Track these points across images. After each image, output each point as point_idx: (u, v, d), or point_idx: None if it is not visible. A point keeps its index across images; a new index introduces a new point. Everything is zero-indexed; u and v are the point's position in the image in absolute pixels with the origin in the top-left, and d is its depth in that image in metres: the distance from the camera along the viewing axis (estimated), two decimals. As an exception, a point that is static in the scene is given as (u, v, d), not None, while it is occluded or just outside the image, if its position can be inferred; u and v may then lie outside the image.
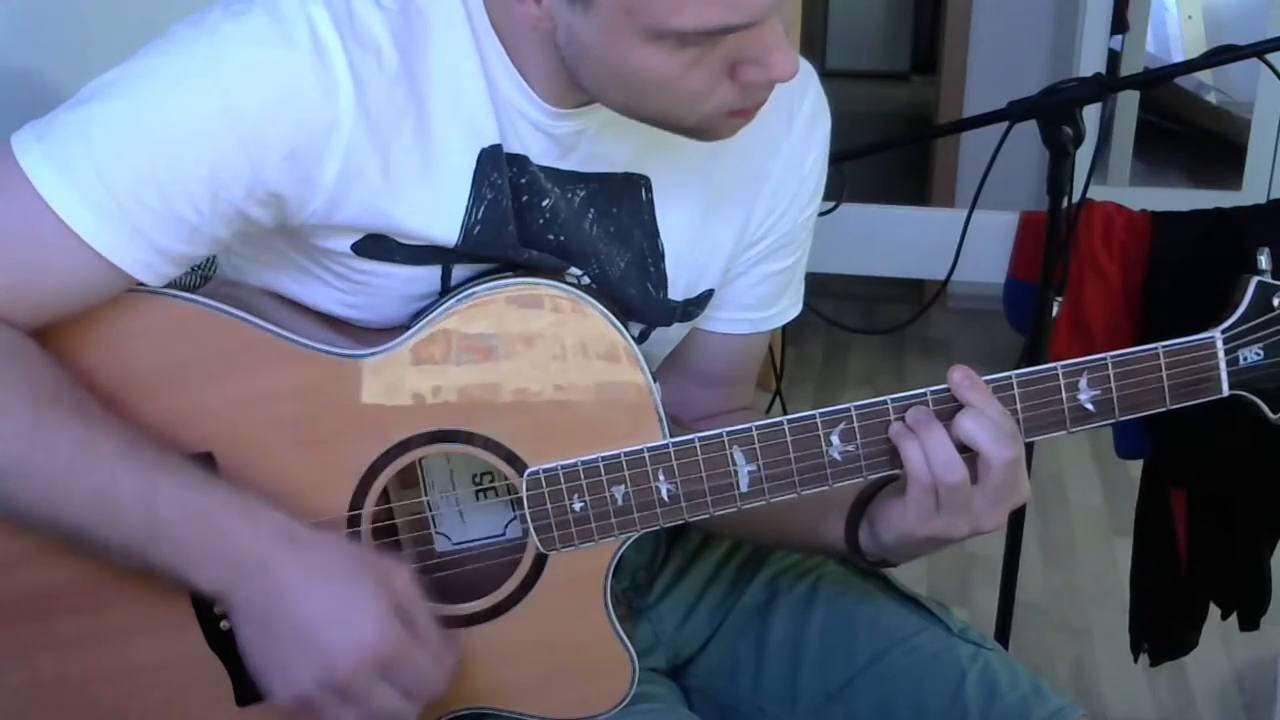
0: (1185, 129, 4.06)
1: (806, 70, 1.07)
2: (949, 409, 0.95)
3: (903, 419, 0.95)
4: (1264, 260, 0.98)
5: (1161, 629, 2.08)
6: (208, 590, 0.89)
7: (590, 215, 1.00)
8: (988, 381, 0.96)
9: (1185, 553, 1.99)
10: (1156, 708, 2.30)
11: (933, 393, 0.95)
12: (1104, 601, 2.51)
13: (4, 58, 1.16)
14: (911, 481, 0.95)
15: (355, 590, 0.88)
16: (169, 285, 0.93)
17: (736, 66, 0.86)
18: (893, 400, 0.95)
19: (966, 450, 0.93)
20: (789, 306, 1.14)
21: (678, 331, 1.08)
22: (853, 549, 1.03)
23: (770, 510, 1.02)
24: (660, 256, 1.03)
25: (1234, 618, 2.04)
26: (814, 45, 7.03)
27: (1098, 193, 1.80)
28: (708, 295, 1.07)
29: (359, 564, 0.89)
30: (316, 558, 0.88)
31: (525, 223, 0.96)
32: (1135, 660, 2.12)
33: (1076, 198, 1.64)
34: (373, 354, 0.94)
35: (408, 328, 0.95)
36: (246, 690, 0.98)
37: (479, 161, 0.92)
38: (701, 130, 0.91)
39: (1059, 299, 1.68)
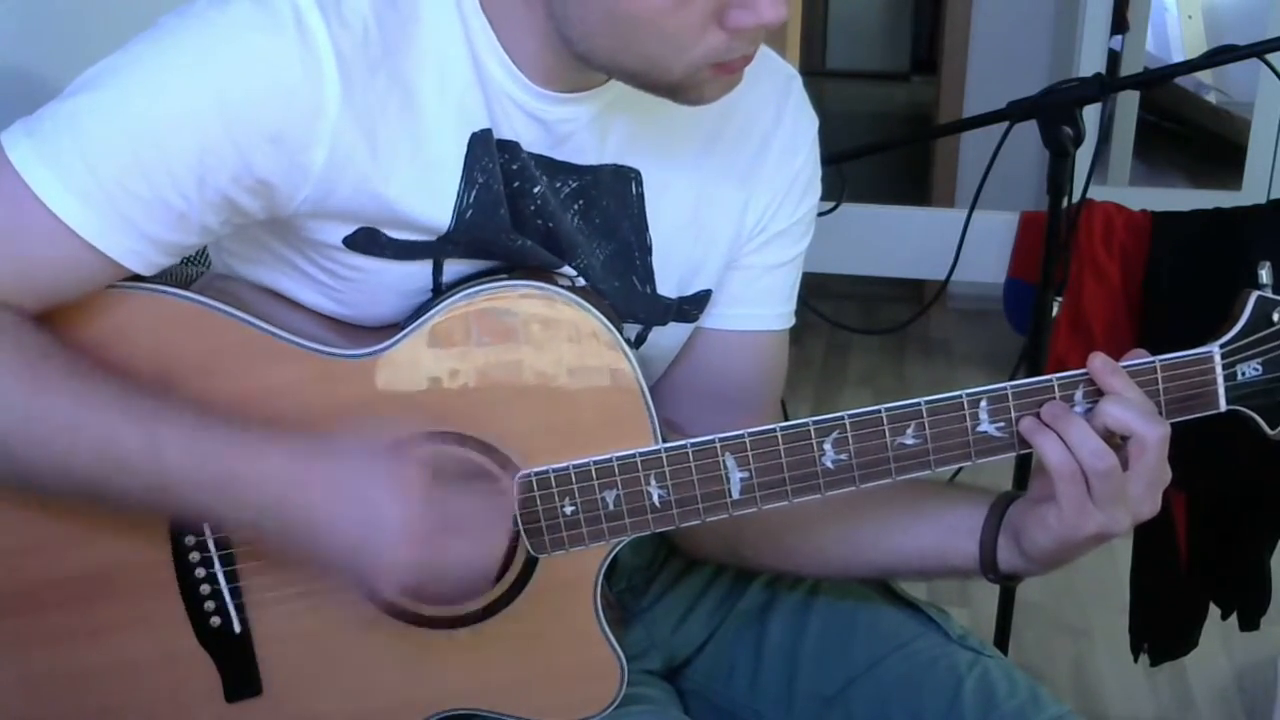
0: (1185, 129, 4.07)
1: (790, 72, 1.08)
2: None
3: (1036, 414, 0.94)
4: (1265, 274, 0.97)
5: (1161, 629, 2.08)
6: (234, 530, 0.93)
7: (575, 208, 0.99)
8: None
9: (1185, 553, 1.99)
10: (1156, 708, 2.30)
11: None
12: (1104, 601, 2.51)
13: (4, 58, 1.16)
14: (1057, 477, 0.93)
15: (376, 504, 0.87)
16: (162, 281, 0.93)
17: (725, 11, 0.85)
18: (886, 410, 0.94)
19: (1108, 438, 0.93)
20: (789, 313, 1.13)
21: (675, 332, 1.07)
22: (988, 568, 1.03)
23: (881, 541, 1.05)
24: (648, 250, 1.03)
25: (1234, 618, 2.04)
26: (814, 45, 7.05)
27: (1098, 193, 1.80)
28: (705, 296, 1.07)
29: (372, 463, 0.89)
30: (331, 485, 0.88)
31: (517, 209, 0.96)
32: (1135, 660, 2.12)
33: (1076, 198, 1.63)
34: (366, 354, 0.94)
35: (402, 327, 0.94)
36: (236, 687, 0.98)
37: (470, 146, 0.92)
38: (686, 86, 0.89)
39: (1059, 299, 1.68)
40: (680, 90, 0.90)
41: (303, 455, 0.88)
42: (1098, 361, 0.94)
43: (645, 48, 0.87)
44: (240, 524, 0.92)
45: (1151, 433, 0.92)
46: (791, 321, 1.13)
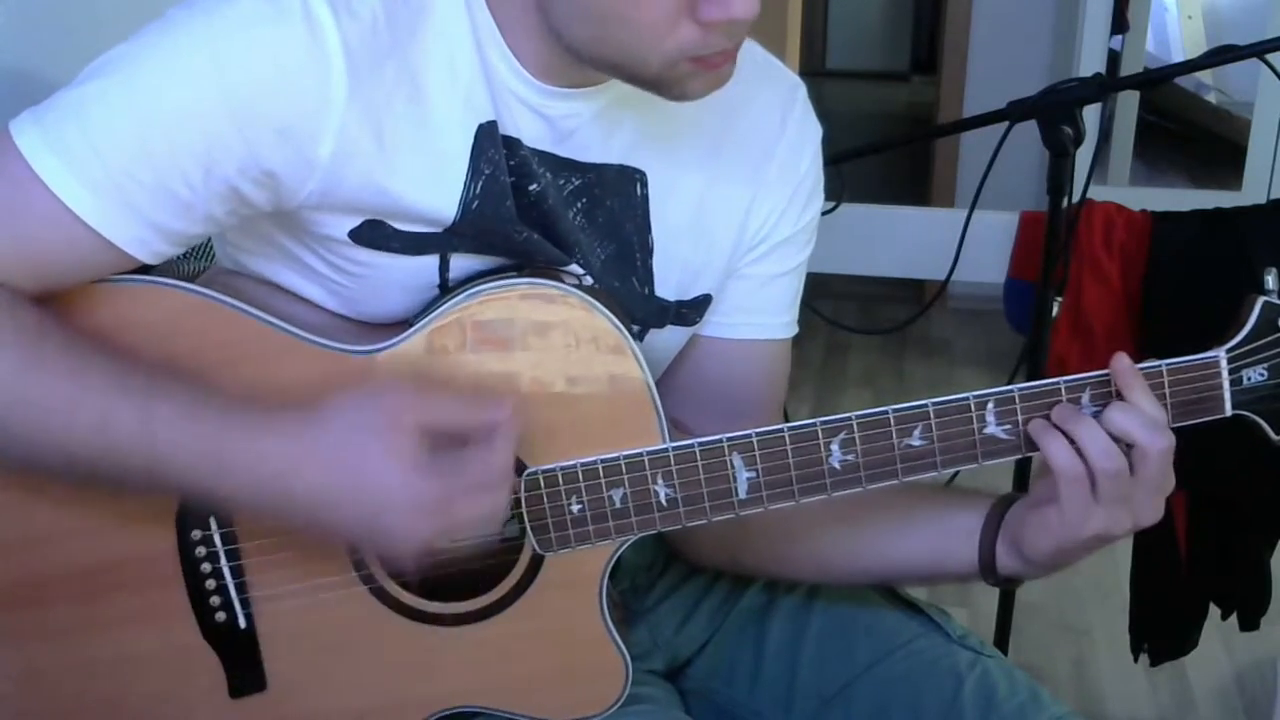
0: (1185, 129, 4.07)
1: (795, 81, 1.08)
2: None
3: (1047, 416, 0.95)
4: (1271, 280, 0.97)
5: (1161, 629, 2.08)
6: (232, 508, 0.93)
7: (578, 206, 0.99)
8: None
9: (1185, 553, 1.99)
10: (1156, 708, 2.30)
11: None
12: (1104, 601, 2.51)
13: (4, 57, 1.16)
14: (1061, 479, 0.94)
15: (375, 470, 0.86)
16: (169, 274, 0.93)
17: (696, 3, 0.85)
18: (894, 411, 0.95)
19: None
20: (792, 321, 1.13)
21: (673, 336, 1.07)
22: (986, 571, 1.03)
23: (881, 547, 1.05)
24: (649, 252, 1.03)
25: (1234, 618, 2.04)
26: (814, 45, 7.04)
27: (1098, 193, 1.80)
28: (705, 301, 1.07)
29: (364, 438, 0.87)
30: (327, 465, 0.87)
31: (515, 205, 0.96)
32: (1135, 660, 2.12)
33: (1076, 198, 1.63)
34: (373, 350, 0.94)
35: (409, 324, 0.95)
36: (240, 683, 0.98)
37: (476, 137, 0.92)
38: (667, 81, 0.89)
39: (1059, 299, 1.68)
40: (662, 85, 0.89)
41: (294, 434, 0.87)
42: (1122, 363, 0.94)
43: (619, 38, 0.87)
44: (236, 502, 0.90)
45: (1154, 444, 0.92)
46: (794, 330, 1.13)
